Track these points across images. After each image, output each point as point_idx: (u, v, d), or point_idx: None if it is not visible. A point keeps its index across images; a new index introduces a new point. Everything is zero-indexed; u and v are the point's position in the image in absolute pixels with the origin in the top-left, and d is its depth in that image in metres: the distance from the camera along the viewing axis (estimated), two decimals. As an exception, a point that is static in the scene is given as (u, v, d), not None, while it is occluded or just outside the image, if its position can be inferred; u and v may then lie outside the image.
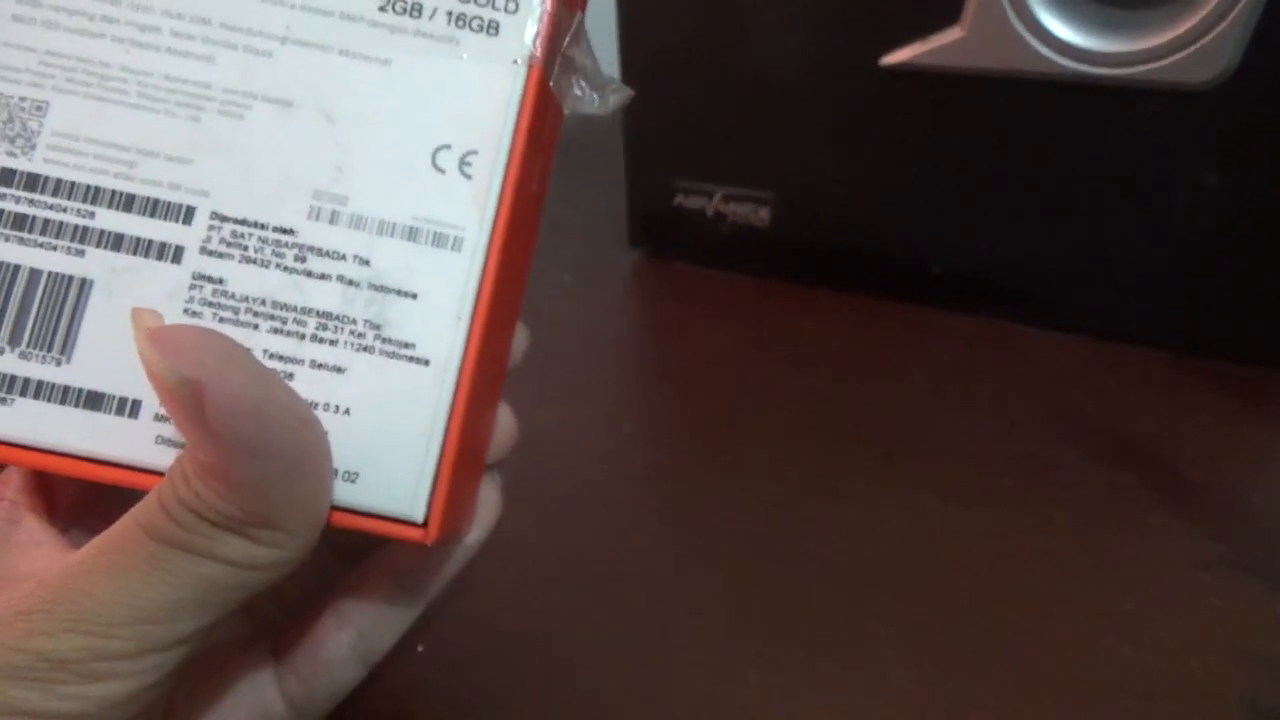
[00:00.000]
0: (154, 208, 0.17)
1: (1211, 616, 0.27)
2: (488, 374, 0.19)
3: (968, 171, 0.37)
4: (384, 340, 0.17)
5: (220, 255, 0.17)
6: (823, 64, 0.37)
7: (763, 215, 0.42)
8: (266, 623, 0.23)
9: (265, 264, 0.17)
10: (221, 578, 0.15)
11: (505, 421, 0.23)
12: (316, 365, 0.17)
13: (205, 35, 0.17)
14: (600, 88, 0.18)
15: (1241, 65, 0.31)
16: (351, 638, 0.21)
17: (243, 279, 0.17)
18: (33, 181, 0.17)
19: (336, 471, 0.16)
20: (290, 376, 0.17)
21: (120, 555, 0.15)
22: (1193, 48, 0.31)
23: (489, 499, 0.22)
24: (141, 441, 0.16)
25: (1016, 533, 0.30)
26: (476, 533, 0.22)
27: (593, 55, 0.18)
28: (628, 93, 0.18)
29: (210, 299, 0.17)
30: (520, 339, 0.24)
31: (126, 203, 0.17)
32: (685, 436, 0.35)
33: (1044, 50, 0.33)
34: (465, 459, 0.18)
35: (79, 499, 0.20)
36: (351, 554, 0.23)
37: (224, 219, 0.17)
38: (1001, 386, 0.37)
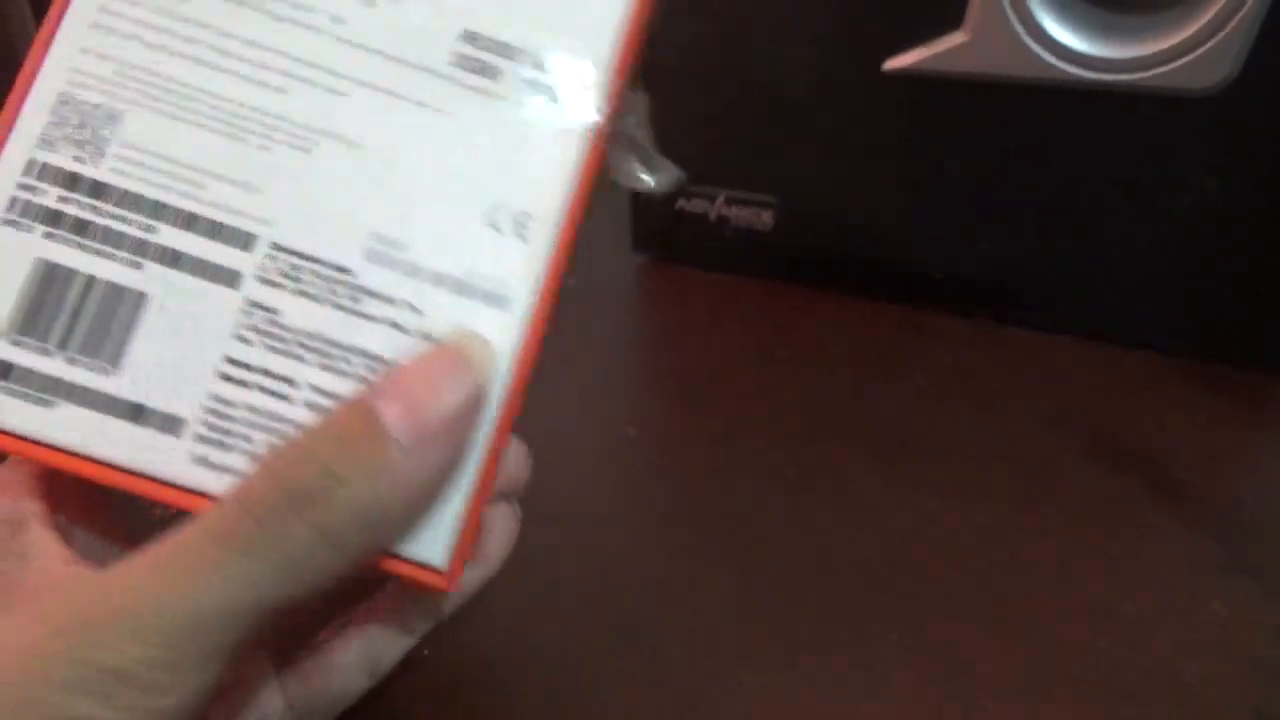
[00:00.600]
0: (216, 230, 0.17)
1: (1210, 619, 0.27)
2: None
3: (970, 175, 0.37)
4: None
5: (276, 285, 0.17)
6: (826, 68, 0.37)
7: (765, 219, 0.42)
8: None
9: (320, 300, 0.17)
10: (275, 578, 0.15)
11: (518, 457, 0.23)
12: None
13: (282, 68, 0.17)
14: (653, 167, 0.18)
15: (1243, 71, 0.31)
16: (362, 647, 0.22)
17: (296, 311, 0.17)
18: (97, 189, 0.17)
19: None
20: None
21: (181, 560, 0.15)
22: (1195, 54, 0.31)
23: (504, 528, 0.22)
24: (181, 459, 0.16)
25: (1016, 535, 0.30)
26: (494, 555, 0.22)
27: (650, 135, 0.18)
28: (679, 175, 0.19)
29: (262, 327, 0.17)
30: None
31: (189, 222, 0.17)
32: (688, 439, 0.35)
33: (1046, 56, 0.33)
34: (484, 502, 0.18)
35: (83, 500, 0.20)
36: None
37: (283, 249, 0.17)
38: (1003, 389, 0.37)
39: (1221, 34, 0.31)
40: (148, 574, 0.15)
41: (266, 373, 0.17)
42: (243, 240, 0.17)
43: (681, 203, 0.43)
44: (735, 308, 0.43)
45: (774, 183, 0.41)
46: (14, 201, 0.17)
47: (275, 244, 0.17)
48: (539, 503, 0.32)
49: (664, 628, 0.27)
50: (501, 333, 0.17)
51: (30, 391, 0.16)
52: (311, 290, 0.17)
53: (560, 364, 0.40)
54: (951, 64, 0.35)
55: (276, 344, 0.17)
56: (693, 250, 0.45)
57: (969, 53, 0.34)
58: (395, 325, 0.17)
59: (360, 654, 0.22)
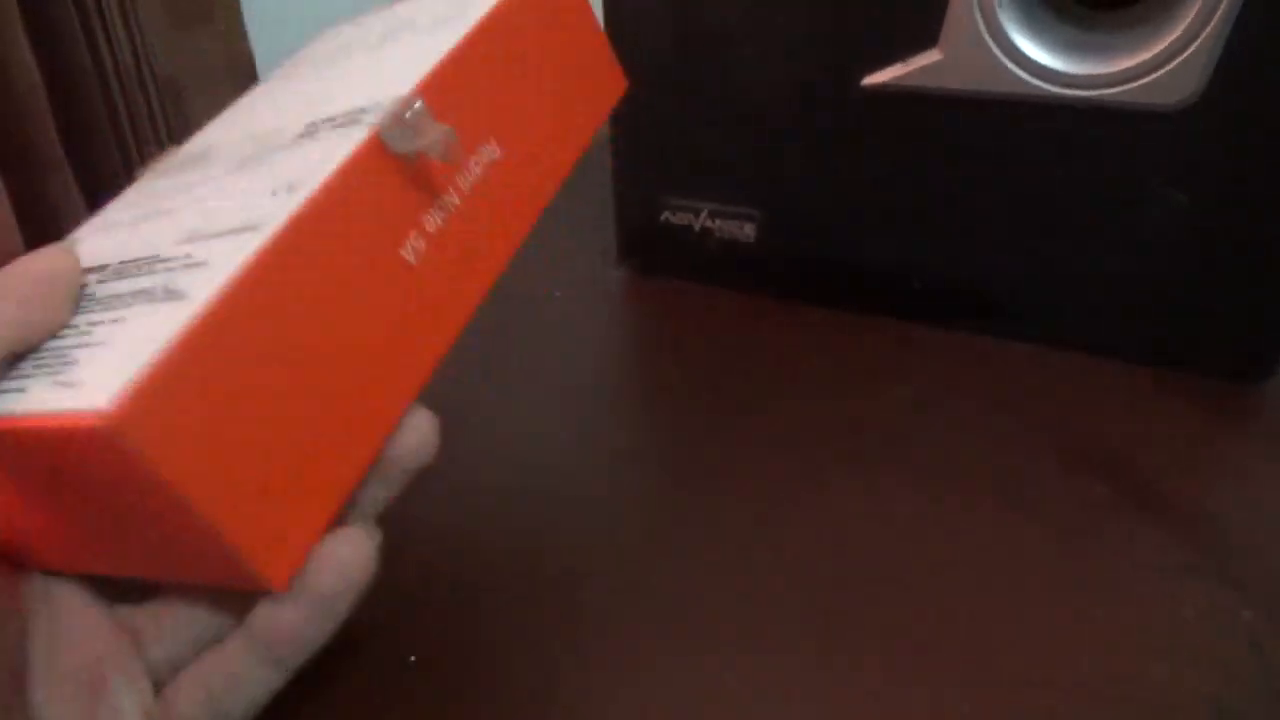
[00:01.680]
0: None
1: (1179, 623, 0.28)
2: (286, 357, 0.19)
3: (947, 189, 0.38)
4: (166, 290, 0.19)
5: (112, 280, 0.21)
6: (806, 85, 0.38)
7: (748, 231, 0.43)
8: None
9: (136, 276, 0.21)
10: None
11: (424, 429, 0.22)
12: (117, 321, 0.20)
13: (168, 206, 0.23)
14: (419, 132, 0.22)
15: (1209, 88, 0.32)
16: (203, 698, 0.21)
17: (121, 285, 0.21)
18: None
19: (69, 384, 0.18)
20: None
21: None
22: (1162, 71, 0.32)
23: (354, 552, 0.20)
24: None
25: (993, 542, 0.31)
26: (331, 583, 0.20)
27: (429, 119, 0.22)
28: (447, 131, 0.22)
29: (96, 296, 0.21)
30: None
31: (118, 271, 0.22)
32: (670, 450, 0.36)
33: (1019, 72, 0.34)
34: (218, 417, 0.18)
35: None
36: None
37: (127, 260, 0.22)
38: (980, 399, 0.37)
39: (1187, 52, 0.31)
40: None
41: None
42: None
43: (666, 216, 0.44)
44: (719, 319, 0.43)
45: (756, 196, 0.42)
46: None
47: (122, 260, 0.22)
48: (520, 511, 0.33)
49: (646, 633, 0.28)
50: (244, 246, 0.20)
51: None
52: (133, 272, 0.21)
53: (543, 374, 0.40)
54: (927, 80, 0.35)
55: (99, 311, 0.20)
56: (677, 263, 0.46)
57: (944, 69, 0.35)
58: (169, 269, 0.20)
59: (202, 705, 0.21)
